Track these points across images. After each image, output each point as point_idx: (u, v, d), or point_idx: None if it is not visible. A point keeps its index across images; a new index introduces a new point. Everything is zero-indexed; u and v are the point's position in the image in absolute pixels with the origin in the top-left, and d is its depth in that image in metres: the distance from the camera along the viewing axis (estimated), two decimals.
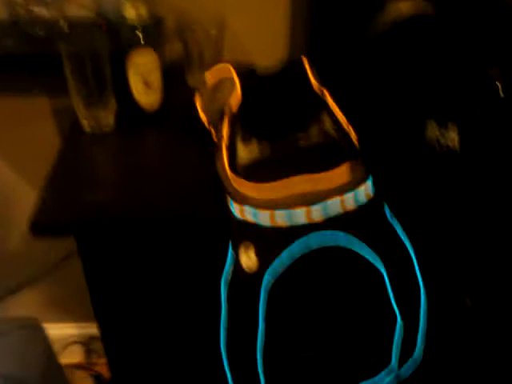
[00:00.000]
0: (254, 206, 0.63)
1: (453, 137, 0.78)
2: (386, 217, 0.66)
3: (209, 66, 0.96)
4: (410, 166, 0.76)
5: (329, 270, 0.67)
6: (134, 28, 0.79)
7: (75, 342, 1.44)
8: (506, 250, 0.78)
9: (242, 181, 0.65)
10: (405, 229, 0.66)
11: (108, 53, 0.79)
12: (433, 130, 0.79)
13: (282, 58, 1.06)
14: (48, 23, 0.91)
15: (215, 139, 0.77)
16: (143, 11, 0.78)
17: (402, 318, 0.65)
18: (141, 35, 0.79)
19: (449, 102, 0.83)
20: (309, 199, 0.63)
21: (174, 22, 0.99)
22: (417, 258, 0.65)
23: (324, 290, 0.66)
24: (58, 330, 1.41)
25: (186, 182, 0.74)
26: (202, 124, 0.83)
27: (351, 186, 0.65)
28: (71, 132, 0.86)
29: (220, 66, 0.84)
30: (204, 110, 0.83)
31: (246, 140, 0.73)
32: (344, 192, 0.64)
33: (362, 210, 0.65)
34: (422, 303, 0.65)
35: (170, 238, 0.73)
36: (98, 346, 1.38)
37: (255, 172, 0.67)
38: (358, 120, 0.75)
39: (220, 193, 0.68)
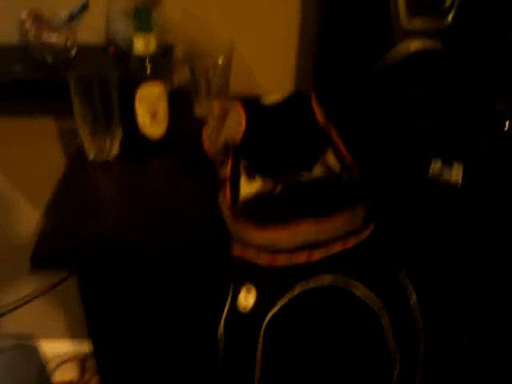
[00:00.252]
0: (255, 249, 0.63)
1: (456, 173, 0.78)
2: (384, 254, 0.66)
3: (216, 95, 0.97)
4: (410, 203, 0.76)
5: (325, 308, 0.66)
6: (143, 58, 0.79)
7: (69, 360, 1.44)
8: (504, 286, 0.77)
9: (245, 223, 0.64)
10: (404, 267, 0.66)
11: (116, 81, 0.80)
12: (436, 167, 0.79)
13: (288, 89, 1.06)
14: (57, 49, 0.91)
15: (219, 172, 0.77)
16: (153, 43, 0.79)
17: (401, 359, 0.65)
18: (149, 66, 0.79)
19: (455, 139, 0.83)
20: (311, 245, 0.63)
21: (183, 49, 1.00)
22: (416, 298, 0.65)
23: (320, 328, 0.65)
24: (53, 347, 1.41)
25: (188, 215, 0.74)
26: (207, 155, 0.83)
27: (354, 232, 0.65)
28: (75, 157, 0.86)
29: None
30: (209, 142, 0.84)
31: (249, 176, 0.73)
32: (347, 238, 0.64)
33: (361, 247, 0.65)
34: (420, 342, 0.65)
35: (169, 269, 0.73)
36: (92, 363, 1.37)
37: (257, 210, 0.67)
38: (363, 156, 0.76)
39: (221, 229, 0.68)
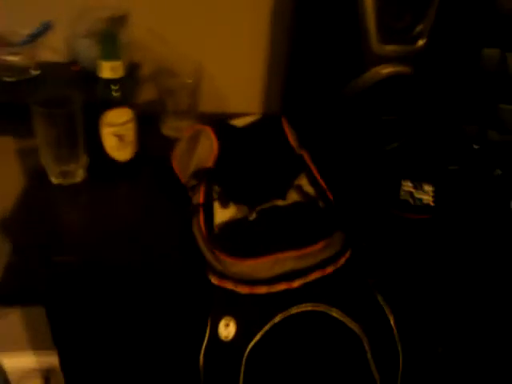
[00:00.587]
0: (233, 280, 0.62)
1: (427, 193, 0.80)
2: (362, 278, 0.66)
3: (184, 115, 0.96)
4: (384, 225, 0.77)
5: (306, 332, 0.65)
6: (110, 81, 0.77)
7: (33, 373, 1.39)
8: (475, 300, 0.79)
9: (221, 253, 0.63)
10: (381, 288, 0.66)
11: (81, 105, 0.77)
12: (407, 188, 0.80)
13: (257, 109, 1.06)
14: (18, 69, 0.88)
15: (191, 197, 0.75)
16: (120, 68, 0.76)
17: (381, 378, 0.64)
18: (116, 90, 0.77)
19: (424, 161, 0.84)
20: (291, 275, 0.62)
21: (150, 68, 0.97)
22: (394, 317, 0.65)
23: (302, 352, 0.65)
24: (16, 361, 1.37)
25: (158, 239, 0.72)
26: (177, 178, 0.81)
27: (332, 259, 0.64)
28: (37, 179, 0.82)
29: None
30: (179, 164, 0.82)
31: (223, 202, 0.72)
32: (325, 267, 0.64)
33: (339, 273, 0.65)
34: (399, 361, 0.65)
35: (141, 297, 0.70)
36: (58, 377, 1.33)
37: (233, 238, 0.66)
38: (335, 180, 0.76)
39: (196, 257, 0.67)
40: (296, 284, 0.62)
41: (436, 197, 0.79)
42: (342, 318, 0.62)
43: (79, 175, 0.81)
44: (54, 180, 0.80)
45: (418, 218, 0.77)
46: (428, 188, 0.80)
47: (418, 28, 0.79)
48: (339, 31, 0.79)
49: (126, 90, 0.79)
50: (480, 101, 0.83)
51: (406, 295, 0.69)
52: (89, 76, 0.84)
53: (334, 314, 0.62)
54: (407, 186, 0.80)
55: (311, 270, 0.63)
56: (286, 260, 0.62)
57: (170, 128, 0.96)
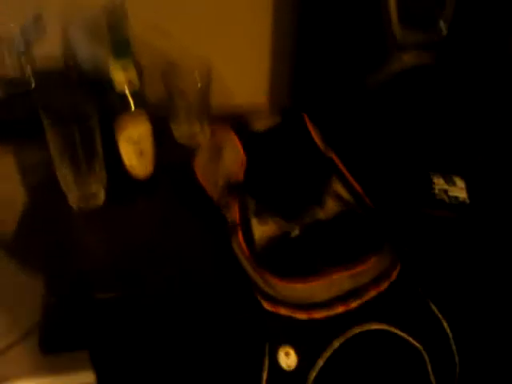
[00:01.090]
0: (290, 306, 0.60)
1: (461, 189, 0.78)
2: (415, 291, 0.65)
3: (196, 117, 0.90)
4: (422, 225, 0.75)
5: (366, 352, 0.64)
6: (125, 94, 0.71)
7: None
8: None
9: (274, 277, 0.60)
10: (433, 296, 0.65)
11: (97, 120, 0.71)
12: (441, 186, 0.79)
13: (264, 98, 1.02)
14: (13, 81, 0.81)
15: (225, 214, 0.71)
16: (135, 77, 0.71)
17: None
18: (132, 103, 0.72)
19: (454, 154, 0.82)
20: (347, 295, 0.60)
21: (155, 67, 0.91)
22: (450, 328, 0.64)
23: (364, 372, 0.64)
24: None
25: (198, 264, 0.69)
26: (202, 190, 0.77)
27: (386, 274, 0.63)
28: (55, 206, 0.77)
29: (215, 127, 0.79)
30: (204, 178, 0.78)
31: (261, 218, 0.69)
32: (380, 283, 0.62)
33: (393, 288, 0.63)
34: (456, 372, 0.64)
35: (188, 326, 0.67)
36: None
37: (279, 258, 0.63)
38: (368, 182, 0.73)
39: (241, 279, 0.64)
40: (354, 304, 0.60)
41: (470, 193, 0.77)
42: (402, 334, 0.61)
43: (101, 197, 0.76)
44: (76, 204, 0.75)
45: (456, 217, 0.75)
46: (460, 183, 0.78)
47: (441, 14, 0.76)
48: (357, 18, 0.75)
49: (140, 99, 0.74)
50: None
51: (457, 301, 0.68)
52: (91, 81, 0.78)
53: (394, 331, 0.60)
54: (439, 182, 0.78)
55: (367, 288, 0.61)
56: (342, 280, 0.60)
57: (183, 134, 0.91)
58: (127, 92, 0.71)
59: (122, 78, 0.70)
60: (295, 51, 0.92)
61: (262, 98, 1.01)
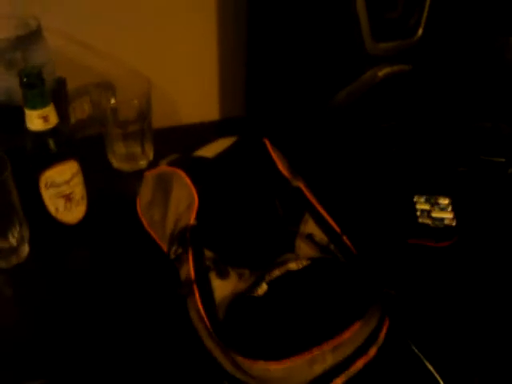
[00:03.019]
0: None
1: (445, 209, 0.69)
2: (409, 349, 0.56)
3: (134, 138, 0.77)
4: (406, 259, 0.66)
5: None
6: (42, 134, 0.57)
7: None
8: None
9: (241, 357, 0.49)
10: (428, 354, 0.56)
11: (10, 166, 0.57)
12: (423, 206, 0.69)
13: (216, 114, 0.89)
14: None
15: (178, 268, 0.60)
16: (53, 114, 0.57)
17: None
18: (52, 143, 0.58)
19: (437, 171, 0.73)
20: (332, 374, 0.50)
21: (81, 82, 0.77)
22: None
23: None
24: None
25: (147, 334, 0.57)
26: (148, 234, 0.65)
27: (374, 337, 0.53)
28: None
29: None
30: (149, 221, 0.65)
31: (221, 273, 0.57)
32: (368, 349, 0.52)
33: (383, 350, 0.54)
34: None
35: None
36: None
37: (249, 330, 0.51)
38: (343, 216, 0.63)
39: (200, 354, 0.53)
40: (340, 381, 0.50)
41: (455, 212, 0.68)
42: None
43: (23, 251, 0.63)
44: None
45: (443, 245, 0.66)
46: (445, 202, 0.69)
47: (413, 18, 0.65)
48: (321, 27, 0.63)
49: (66, 140, 0.60)
50: (492, 94, 0.71)
51: (453, 353, 0.59)
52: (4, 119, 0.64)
53: None
54: (421, 203, 0.69)
55: (353, 360, 0.51)
56: (325, 354, 0.50)
57: (120, 158, 0.77)
58: (46, 132, 0.57)
59: (36, 117, 0.56)
60: (248, 61, 0.79)
61: (214, 113, 0.88)
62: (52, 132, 0.57)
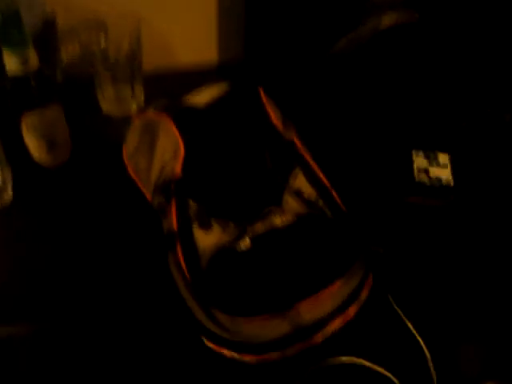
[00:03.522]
0: (236, 347, 0.49)
1: (444, 167, 0.66)
2: (391, 308, 0.55)
3: (125, 82, 0.74)
4: (401, 217, 0.64)
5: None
6: (22, 79, 0.55)
7: None
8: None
9: (220, 313, 0.49)
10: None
11: None
12: (421, 164, 0.66)
13: (213, 55, 0.84)
14: None
15: (161, 219, 0.58)
16: (33, 57, 0.54)
17: None
18: (33, 87, 0.55)
19: (436, 125, 0.69)
20: (309, 330, 0.49)
21: (71, 20, 0.73)
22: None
23: None
24: None
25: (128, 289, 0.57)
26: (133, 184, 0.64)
27: (354, 296, 0.52)
28: None
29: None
30: (136, 169, 0.64)
31: (204, 224, 0.56)
32: (347, 307, 0.51)
33: (364, 310, 0.53)
34: None
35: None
36: None
37: (229, 286, 0.51)
38: (335, 171, 0.60)
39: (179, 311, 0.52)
40: (317, 339, 0.50)
41: (454, 170, 0.65)
42: (373, 366, 0.51)
43: (7, 195, 0.62)
44: None
45: (437, 204, 0.64)
46: (444, 158, 0.66)
47: None
48: None
49: (47, 83, 0.57)
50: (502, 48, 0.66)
51: (436, 313, 0.58)
52: None
53: (365, 364, 0.51)
54: (420, 160, 0.66)
55: (331, 318, 0.50)
56: (303, 311, 0.49)
57: (110, 101, 0.74)
58: (26, 77, 0.55)
59: (17, 63, 0.53)
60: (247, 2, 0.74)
61: (211, 55, 0.84)
62: (34, 75, 0.55)
